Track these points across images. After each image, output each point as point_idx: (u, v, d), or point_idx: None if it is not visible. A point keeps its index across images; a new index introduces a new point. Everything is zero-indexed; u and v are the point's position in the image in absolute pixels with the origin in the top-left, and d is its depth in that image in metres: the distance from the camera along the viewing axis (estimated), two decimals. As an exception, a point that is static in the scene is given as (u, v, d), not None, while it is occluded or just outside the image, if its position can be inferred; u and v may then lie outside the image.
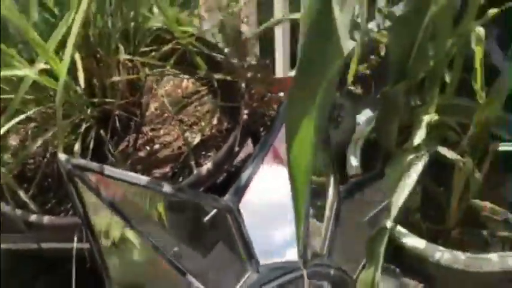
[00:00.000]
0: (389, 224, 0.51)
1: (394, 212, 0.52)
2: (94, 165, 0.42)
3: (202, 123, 0.62)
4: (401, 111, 0.58)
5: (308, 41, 0.29)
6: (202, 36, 0.64)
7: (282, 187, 0.53)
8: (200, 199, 0.49)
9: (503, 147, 0.65)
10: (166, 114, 0.65)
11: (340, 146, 0.89)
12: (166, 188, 0.46)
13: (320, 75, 0.29)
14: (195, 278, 0.48)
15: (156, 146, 0.62)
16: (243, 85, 0.58)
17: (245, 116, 0.57)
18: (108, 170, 0.42)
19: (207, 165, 0.54)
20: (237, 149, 0.56)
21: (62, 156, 0.40)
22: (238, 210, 0.51)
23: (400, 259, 0.77)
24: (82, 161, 0.41)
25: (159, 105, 0.66)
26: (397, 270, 0.75)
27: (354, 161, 0.84)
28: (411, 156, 0.55)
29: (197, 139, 0.61)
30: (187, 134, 0.62)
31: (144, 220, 0.46)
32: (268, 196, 0.53)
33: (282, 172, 0.54)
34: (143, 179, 0.44)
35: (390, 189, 0.53)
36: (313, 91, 0.30)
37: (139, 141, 0.62)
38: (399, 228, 0.74)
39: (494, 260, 0.69)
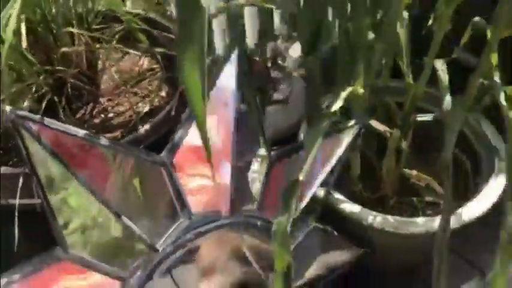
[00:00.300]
0: (301, 176, 0.58)
1: (306, 168, 0.58)
2: (36, 116, 0.49)
3: (153, 96, 0.70)
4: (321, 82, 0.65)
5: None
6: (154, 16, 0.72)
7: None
8: (136, 153, 0.57)
9: (420, 117, 0.72)
10: (122, 87, 0.73)
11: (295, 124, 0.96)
12: (104, 141, 0.53)
13: (190, 35, 0.37)
14: (130, 221, 0.55)
15: (110, 115, 0.69)
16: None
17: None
18: (48, 121, 0.50)
19: (145, 127, 0.62)
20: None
21: (7, 108, 0.48)
22: (172, 165, 0.59)
23: (342, 226, 0.84)
24: (25, 112, 0.49)
25: (117, 79, 0.74)
26: (334, 232, 0.83)
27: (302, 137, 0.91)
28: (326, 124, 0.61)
29: (146, 108, 0.69)
30: (139, 104, 0.70)
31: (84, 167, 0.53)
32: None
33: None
34: (81, 131, 0.52)
35: (305, 154, 0.59)
36: (189, 48, 0.38)
37: (96, 110, 0.69)
38: (337, 195, 0.81)
39: (420, 223, 0.76)
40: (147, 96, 0.71)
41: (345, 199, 0.80)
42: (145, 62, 0.75)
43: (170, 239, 0.58)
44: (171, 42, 0.67)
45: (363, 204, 0.82)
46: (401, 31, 0.72)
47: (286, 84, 0.93)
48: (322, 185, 0.75)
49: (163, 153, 0.58)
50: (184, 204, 0.59)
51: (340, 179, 0.87)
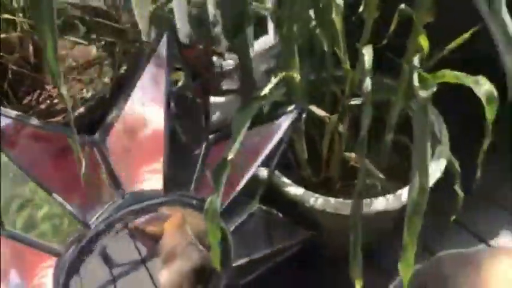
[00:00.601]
0: (230, 156, 0.60)
1: (234, 149, 0.60)
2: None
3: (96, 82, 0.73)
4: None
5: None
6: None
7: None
8: (67, 133, 0.59)
9: (353, 101, 0.75)
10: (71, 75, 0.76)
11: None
12: (34, 121, 0.56)
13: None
14: (61, 198, 0.58)
15: (56, 101, 0.72)
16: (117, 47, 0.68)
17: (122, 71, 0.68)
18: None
19: (80, 109, 0.65)
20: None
21: None
22: (105, 145, 0.62)
23: (292, 211, 0.86)
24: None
25: (66, 67, 0.77)
26: (279, 214, 0.85)
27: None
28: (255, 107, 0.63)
29: (89, 94, 0.72)
30: (83, 90, 0.73)
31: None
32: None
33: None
34: (13, 112, 0.55)
35: (233, 136, 0.61)
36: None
37: (42, 97, 0.72)
38: (283, 178, 0.84)
39: (359, 204, 0.79)
40: (92, 82, 0.74)
41: (290, 182, 0.83)
42: (93, 51, 0.78)
43: (103, 216, 0.61)
44: (114, 31, 0.70)
45: (311, 187, 0.85)
46: (336, 18, 0.74)
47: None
48: (266, 167, 0.78)
49: (97, 134, 0.61)
50: (117, 184, 0.62)
51: (290, 163, 0.91)
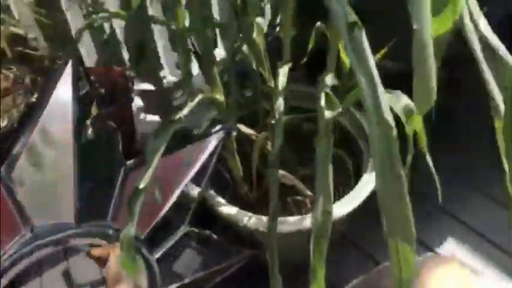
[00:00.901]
0: (142, 185, 0.59)
1: (148, 177, 0.59)
2: None
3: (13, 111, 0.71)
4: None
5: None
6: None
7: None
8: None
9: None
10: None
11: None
12: None
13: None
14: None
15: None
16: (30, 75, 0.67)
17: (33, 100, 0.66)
18: None
19: (-16, 141, 0.63)
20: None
21: None
22: (11, 179, 0.60)
23: (233, 232, 0.85)
24: None
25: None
26: (213, 235, 0.84)
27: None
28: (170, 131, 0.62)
29: (4, 123, 0.70)
30: (-1, 120, 0.71)
31: None
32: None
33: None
34: None
35: (147, 163, 0.60)
36: None
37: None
38: (218, 198, 0.82)
39: (291, 222, 0.78)
40: (8, 111, 0.72)
41: (223, 201, 0.81)
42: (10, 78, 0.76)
43: (10, 252, 0.59)
44: (24, 58, 0.68)
45: (249, 205, 0.84)
46: (258, 38, 0.74)
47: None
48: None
49: (2, 168, 0.59)
50: (25, 218, 0.60)
51: (227, 182, 0.90)
